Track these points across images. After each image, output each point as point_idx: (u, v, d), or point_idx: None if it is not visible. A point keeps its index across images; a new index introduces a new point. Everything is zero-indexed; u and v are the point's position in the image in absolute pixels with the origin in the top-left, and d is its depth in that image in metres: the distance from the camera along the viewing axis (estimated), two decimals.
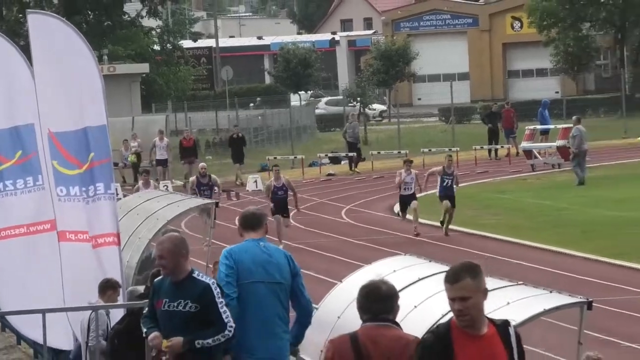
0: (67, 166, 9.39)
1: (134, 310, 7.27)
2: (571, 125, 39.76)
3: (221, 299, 5.91)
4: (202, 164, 24.09)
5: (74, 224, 9.40)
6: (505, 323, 3.88)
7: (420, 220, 24.37)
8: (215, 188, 21.77)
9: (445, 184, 21.61)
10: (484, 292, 3.80)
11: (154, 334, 5.80)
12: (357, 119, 45.76)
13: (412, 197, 21.94)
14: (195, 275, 5.92)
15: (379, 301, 4.38)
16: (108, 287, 8.39)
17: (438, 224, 24.16)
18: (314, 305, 6.83)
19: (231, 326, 5.90)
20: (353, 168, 39.15)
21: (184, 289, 5.81)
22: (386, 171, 37.64)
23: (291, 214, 23.57)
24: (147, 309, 6.23)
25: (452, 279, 3.80)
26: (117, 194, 21.08)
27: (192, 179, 22.80)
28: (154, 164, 37.40)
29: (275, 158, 40.18)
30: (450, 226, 24.06)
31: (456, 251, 19.80)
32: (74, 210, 9.42)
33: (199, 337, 5.74)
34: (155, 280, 6.34)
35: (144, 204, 13.66)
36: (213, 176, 22.45)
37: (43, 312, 8.30)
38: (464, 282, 3.69)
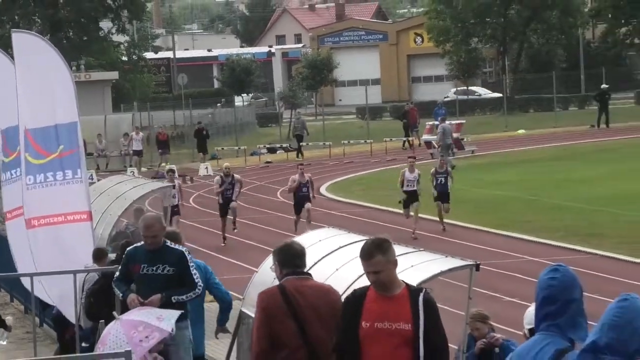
0: (37, 157, 9.45)
1: (107, 274, 7.35)
2: (463, 121, 41.97)
3: (192, 263, 6.28)
4: (226, 164, 21.94)
5: (42, 208, 9.34)
6: (419, 289, 3.92)
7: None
8: (237, 186, 19.58)
9: (439, 182, 19.52)
10: (394, 263, 3.83)
11: (131, 296, 6.01)
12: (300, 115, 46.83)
13: (415, 197, 19.02)
14: (168, 244, 6.19)
15: (296, 257, 4.49)
16: (102, 255, 8.47)
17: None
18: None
19: (200, 285, 6.24)
20: (300, 156, 39.13)
21: (161, 256, 6.09)
22: (314, 159, 38.64)
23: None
24: (118, 273, 6.38)
25: (366, 256, 3.82)
26: (92, 179, 20.70)
27: (217, 178, 20.77)
28: (131, 153, 39.05)
29: (222, 149, 41.67)
30: (365, 203, 25.11)
31: (370, 225, 19.87)
32: (41, 195, 9.40)
33: (175, 294, 5.99)
34: (129, 248, 6.52)
35: (114, 186, 13.73)
36: (236, 176, 20.21)
37: (31, 275, 8.58)
38: (376, 259, 3.72)
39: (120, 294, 6.23)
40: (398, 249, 4.49)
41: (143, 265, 6.06)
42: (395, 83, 74.41)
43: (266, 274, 5.91)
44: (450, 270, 5.17)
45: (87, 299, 7.69)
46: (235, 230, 19.73)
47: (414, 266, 4.73)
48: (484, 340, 5.69)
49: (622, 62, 69.11)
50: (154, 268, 6.04)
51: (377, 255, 3.71)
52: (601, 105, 46.78)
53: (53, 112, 9.51)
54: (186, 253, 6.24)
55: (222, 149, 41.90)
